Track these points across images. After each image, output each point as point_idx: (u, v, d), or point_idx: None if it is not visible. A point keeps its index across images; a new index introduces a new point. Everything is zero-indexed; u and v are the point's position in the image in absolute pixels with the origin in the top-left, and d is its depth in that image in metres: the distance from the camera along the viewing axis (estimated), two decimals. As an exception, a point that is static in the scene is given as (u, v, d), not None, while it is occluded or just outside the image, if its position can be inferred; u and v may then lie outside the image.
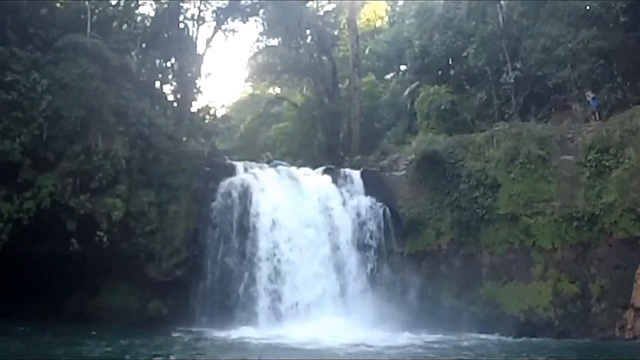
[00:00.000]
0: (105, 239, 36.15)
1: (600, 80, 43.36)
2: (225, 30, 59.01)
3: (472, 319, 36.43)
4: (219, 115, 55.55)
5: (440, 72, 55.11)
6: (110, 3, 46.80)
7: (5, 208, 34.84)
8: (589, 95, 41.29)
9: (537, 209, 36.19)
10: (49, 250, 35.90)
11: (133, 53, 47.80)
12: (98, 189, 36.70)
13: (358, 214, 40.21)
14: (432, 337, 33.05)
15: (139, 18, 50.72)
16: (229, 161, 43.61)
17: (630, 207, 33.18)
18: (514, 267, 36.72)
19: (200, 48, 54.74)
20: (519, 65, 46.86)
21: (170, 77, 53.27)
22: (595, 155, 35.42)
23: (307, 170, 43.86)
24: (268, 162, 40.03)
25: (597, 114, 40.46)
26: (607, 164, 34.95)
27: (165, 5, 51.74)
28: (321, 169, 43.56)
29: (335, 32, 70.18)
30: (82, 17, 40.67)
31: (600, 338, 32.67)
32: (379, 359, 26.24)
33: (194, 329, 35.13)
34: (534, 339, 32.88)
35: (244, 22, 60.33)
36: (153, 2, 52.13)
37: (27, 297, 36.18)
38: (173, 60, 53.15)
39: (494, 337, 34.31)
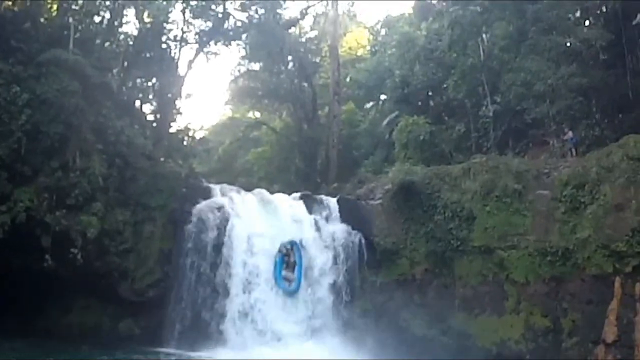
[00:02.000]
0: (79, 256, 36.03)
1: (578, 116, 43.73)
2: (208, 52, 59.07)
3: (444, 350, 36.41)
4: (197, 137, 55.70)
5: (419, 103, 55.52)
6: (94, 20, 46.89)
7: (-21, 221, 34.76)
8: (568, 133, 41.63)
9: (512, 242, 36.29)
10: (22, 265, 35.72)
11: (115, 71, 47.79)
12: (74, 206, 36.55)
13: (333, 241, 40.22)
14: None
15: (122, 37, 50.68)
16: (205, 184, 43.55)
17: (604, 244, 33.33)
18: (487, 299, 36.76)
19: (181, 69, 54.74)
20: (498, 99, 47.26)
21: (150, 96, 53.40)
22: (571, 191, 35.58)
23: (283, 196, 43.83)
24: None
25: (574, 150, 40.77)
26: (583, 200, 35.11)
27: (149, 25, 51.71)
28: (297, 194, 43.58)
29: (317, 59, 70.55)
30: (65, 33, 40.59)
31: (570, 371, 32.85)
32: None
33: (165, 350, 35.05)
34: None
35: (227, 46, 60.31)
36: (137, 22, 52.09)
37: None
38: (154, 80, 53.26)
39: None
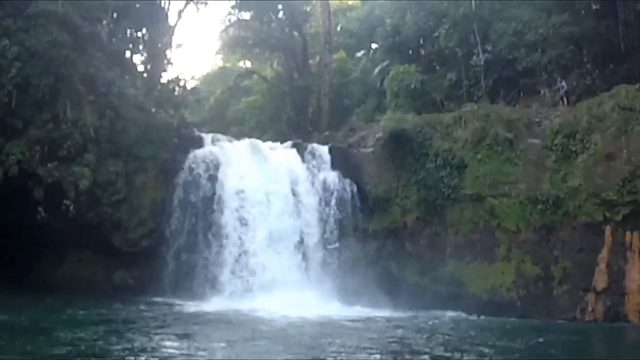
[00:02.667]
0: (72, 208, 36.17)
1: (570, 65, 43.61)
2: (197, 2, 58.79)
3: (436, 297, 36.70)
4: (188, 87, 55.51)
5: (411, 52, 55.29)
6: (82, -29, 46.53)
7: (-28, 175, 34.80)
8: (559, 83, 41.60)
9: (503, 190, 36.41)
10: (15, 218, 35.80)
11: (104, 22, 47.36)
12: (66, 158, 36.60)
13: (324, 189, 40.33)
14: (396, 314, 33.40)
15: (111, -14, 50.39)
16: (197, 133, 43.55)
17: (595, 192, 33.51)
18: (478, 247, 36.92)
19: (171, 19, 54.46)
20: (489, 48, 47.07)
21: (140, 47, 53.12)
22: (562, 140, 35.66)
23: (274, 144, 43.86)
24: None
25: (565, 99, 40.75)
26: (574, 148, 35.20)
27: (138, -25, 51.39)
28: (289, 143, 43.62)
29: (307, 8, 69.97)
30: (54, -16, 40.36)
31: (561, 319, 33.06)
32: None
33: (159, 299, 35.26)
34: (496, 319, 33.15)
35: (216, -6, 60.05)
36: (126, -29, 51.68)
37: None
38: (144, 30, 52.90)
39: (457, 315, 34.67)
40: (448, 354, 19.75)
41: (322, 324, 27.67)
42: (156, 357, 16.59)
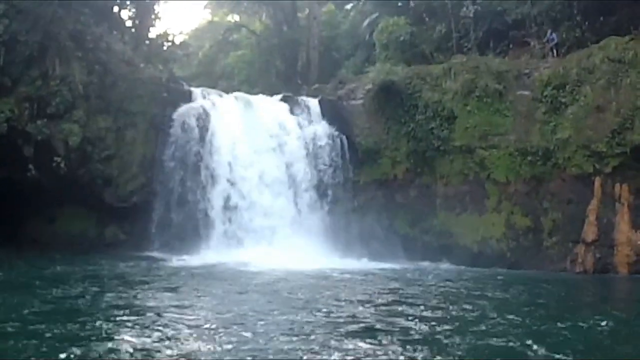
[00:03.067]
0: (62, 165, 36.12)
1: (560, 18, 43.42)
2: (185, -45, 58.43)
3: (426, 248, 37.05)
4: (177, 41, 55.09)
5: (400, 4, 54.94)
6: None
7: (-38, 133, 34.77)
8: (549, 35, 41.49)
9: (492, 142, 36.51)
10: (5, 176, 35.72)
11: (91, -23, 47.19)
12: (55, 115, 36.48)
13: (314, 142, 40.39)
14: (387, 265, 33.61)
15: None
16: (187, 87, 43.48)
17: (584, 144, 33.61)
18: (468, 198, 37.13)
19: (159, -27, 54.07)
20: (479, 0, 46.94)
21: (128, 2, 52.74)
22: (552, 92, 35.68)
23: (264, 97, 43.83)
24: None
25: (554, 51, 40.68)
26: (563, 100, 35.23)
27: None
28: (279, 96, 43.57)
29: (296, -40, 69.68)
30: (39, -61, 40.03)
31: (551, 271, 33.35)
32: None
33: (151, 254, 35.37)
34: (486, 270, 33.37)
35: (204, -53, 59.67)
36: None
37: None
38: (132, -15, 52.66)
39: (448, 267, 34.96)
40: (443, 305, 19.82)
41: (314, 277, 27.67)
42: (142, 312, 16.58)
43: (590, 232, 33.05)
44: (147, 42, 47.28)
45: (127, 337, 13.43)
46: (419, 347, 13.14)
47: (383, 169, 39.78)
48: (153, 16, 52.01)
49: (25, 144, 36.05)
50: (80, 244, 37.11)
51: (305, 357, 12.16)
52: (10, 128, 35.38)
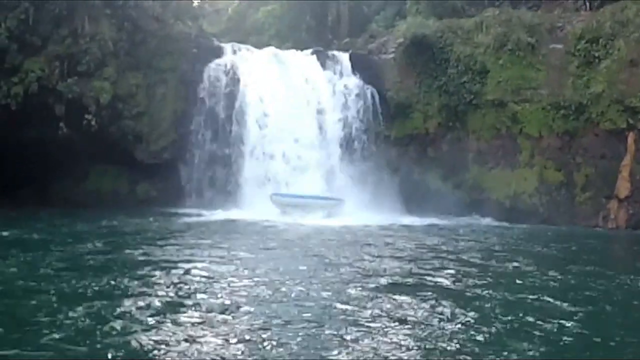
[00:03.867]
0: (93, 122, 36.19)
1: (593, -31, 42.95)
2: None
3: (458, 203, 36.87)
4: (206, -2, 55.06)
5: (431, -44, 54.47)
6: None
7: (-8, 94, 34.92)
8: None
9: (525, 96, 36.26)
10: (37, 135, 35.96)
11: None
12: (86, 73, 36.51)
13: (346, 95, 40.23)
14: (419, 220, 33.49)
15: None
16: (216, 43, 43.36)
17: (618, 99, 33.30)
18: (500, 153, 36.96)
19: None
20: (511, -50, 46.38)
21: (156, -42, 52.53)
22: (585, 45, 35.31)
23: (295, 52, 43.65)
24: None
25: (587, 4, 40.17)
26: (596, 54, 34.88)
27: None
28: (309, 50, 43.35)
29: None
30: None
31: (583, 226, 33.19)
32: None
33: (183, 210, 35.39)
34: (518, 225, 33.21)
35: None
36: None
37: (15, 184, 36.35)
38: (160, -60, 52.33)
39: (479, 221, 34.81)
40: (476, 260, 19.56)
41: (345, 232, 27.58)
42: (156, 267, 16.37)
43: (623, 187, 32.83)
44: (176, -2, 47.02)
45: (153, 293, 13.28)
46: (453, 302, 12.95)
47: (415, 123, 39.63)
48: (183, -28, 51.83)
49: (56, 103, 36.14)
50: (111, 201, 37.43)
51: (340, 317, 12.03)
52: (41, 87, 35.47)
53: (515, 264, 19.06)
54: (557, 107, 35.19)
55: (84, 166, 38.42)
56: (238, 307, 12.23)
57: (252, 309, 12.06)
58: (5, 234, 23.26)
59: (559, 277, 16.82)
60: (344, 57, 42.30)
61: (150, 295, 13.03)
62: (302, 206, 33.00)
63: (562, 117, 35.05)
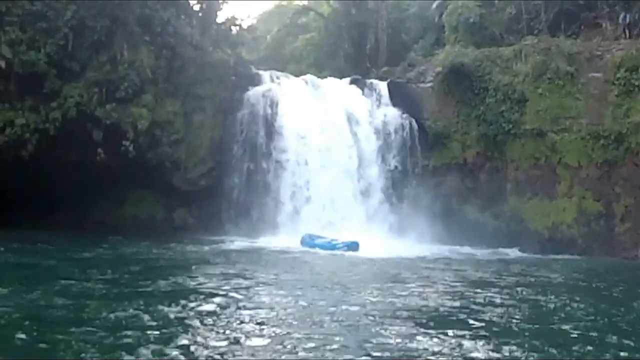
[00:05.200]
0: (131, 148, 36.37)
1: (632, -2, 42.65)
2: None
3: (496, 234, 36.63)
4: (245, 25, 54.98)
5: (469, -15, 54.36)
6: None
7: (31, 118, 35.42)
8: (621, 16, 40.62)
9: (564, 125, 35.96)
10: (75, 160, 36.30)
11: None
12: (124, 99, 36.81)
13: (384, 125, 40.14)
14: (458, 250, 33.28)
15: None
16: (255, 71, 43.46)
17: (658, 128, 33.00)
18: (539, 183, 36.59)
19: (225, -42, 53.83)
20: (549, -20, 46.16)
21: (194, -14, 52.78)
22: (624, 74, 35.01)
23: (333, 80, 43.67)
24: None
25: (627, 32, 39.88)
26: (636, 83, 34.57)
27: None
28: (348, 79, 43.41)
29: (364, -58, 69.11)
30: None
31: (622, 258, 32.72)
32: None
33: (219, 238, 35.36)
34: (556, 256, 32.84)
35: None
36: None
37: (53, 208, 36.57)
38: (197, -30, 52.61)
39: (518, 253, 34.45)
40: (526, 294, 19.11)
41: (384, 261, 27.38)
42: (195, 296, 16.12)
43: (663, 218, 32.38)
44: (214, 26, 47.14)
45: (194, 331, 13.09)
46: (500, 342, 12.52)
47: (453, 152, 39.42)
48: (220, 0, 51.97)
49: (95, 128, 36.40)
50: (148, 227, 37.46)
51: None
52: (80, 112, 35.84)
53: (566, 298, 18.42)
54: (597, 137, 34.85)
55: (122, 192, 38.65)
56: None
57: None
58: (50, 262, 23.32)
59: (619, 314, 16.23)
60: (382, 86, 42.27)
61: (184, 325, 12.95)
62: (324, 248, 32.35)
63: (602, 147, 34.68)
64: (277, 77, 42.68)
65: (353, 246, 31.24)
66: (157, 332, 12.18)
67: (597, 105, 35.53)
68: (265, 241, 33.89)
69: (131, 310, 14.02)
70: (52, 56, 35.69)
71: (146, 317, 13.50)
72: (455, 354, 11.53)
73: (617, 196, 34.24)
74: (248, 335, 12.29)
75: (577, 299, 18.39)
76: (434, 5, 55.95)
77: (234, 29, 49.10)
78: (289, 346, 11.58)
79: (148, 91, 37.66)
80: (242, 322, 13.48)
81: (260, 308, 15.13)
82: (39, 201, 35.97)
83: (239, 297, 16.35)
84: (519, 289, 20.09)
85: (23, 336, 11.69)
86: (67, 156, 36.14)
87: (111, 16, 36.83)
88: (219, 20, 47.73)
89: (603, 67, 36.25)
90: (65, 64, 36.15)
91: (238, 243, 33.10)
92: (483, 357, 11.42)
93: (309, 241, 32.89)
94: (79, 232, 33.96)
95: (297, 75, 44.37)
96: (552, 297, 18.58)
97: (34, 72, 35.36)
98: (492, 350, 11.80)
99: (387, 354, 11.42)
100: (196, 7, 46.18)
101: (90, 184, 36.49)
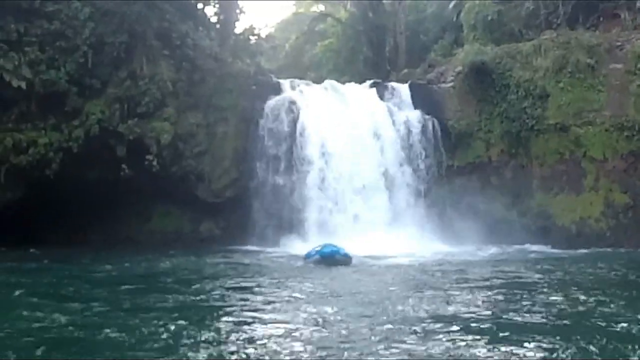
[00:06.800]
0: (155, 163, 36.51)
1: (651, -13, 42.41)
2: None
3: (524, 231, 36.40)
4: (263, 35, 55.05)
5: (485, -17, 54.21)
6: None
7: (54, 137, 35.69)
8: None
9: (587, 118, 35.75)
10: (99, 177, 36.57)
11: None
12: (146, 114, 37.06)
13: (406, 127, 40.06)
14: (486, 250, 33.17)
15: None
16: (275, 79, 43.49)
17: (682, 117, 32.77)
18: (565, 178, 36.41)
19: (241, -32, 53.98)
20: (567, -27, 45.96)
21: (212, -1, 52.90)
22: (646, 64, 34.86)
23: (353, 85, 43.67)
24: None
25: (646, 22, 39.68)
26: (658, 72, 34.42)
27: None
28: (368, 83, 43.38)
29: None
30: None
31: (652, 249, 32.51)
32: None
33: (247, 248, 35.45)
34: (586, 250, 32.63)
35: (286, -61, 59.46)
36: None
37: (81, 226, 36.81)
38: (214, -19, 52.70)
39: (547, 249, 34.25)
40: (558, 290, 18.77)
41: (411, 264, 27.18)
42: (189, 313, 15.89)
43: (691, 207, 32.13)
44: (233, 36, 47.26)
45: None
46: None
47: (477, 151, 39.33)
48: (238, 11, 52.04)
49: (118, 144, 36.64)
50: (175, 240, 37.67)
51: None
52: (102, 129, 36.10)
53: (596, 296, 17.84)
54: (620, 128, 34.65)
55: (148, 207, 38.92)
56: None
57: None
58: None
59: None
60: (403, 88, 42.21)
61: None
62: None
63: (626, 138, 34.48)
64: (298, 85, 42.70)
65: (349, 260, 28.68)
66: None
67: (620, 97, 35.30)
68: (292, 249, 33.64)
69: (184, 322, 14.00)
70: (72, 74, 36.01)
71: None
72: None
73: (644, 187, 34.06)
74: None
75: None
76: (451, 5, 55.82)
77: (253, 39, 49.18)
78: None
79: (169, 105, 37.85)
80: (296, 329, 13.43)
81: (290, 321, 14.87)
82: (67, 220, 36.22)
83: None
84: (554, 288, 19.62)
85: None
86: (92, 173, 36.44)
87: (129, 31, 37.13)
88: (237, 30, 47.85)
89: (623, 58, 36.02)
90: (86, 81, 36.50)
91: (266, 252, 33.10)
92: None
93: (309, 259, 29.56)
94: (107, 248, 34.03)
95: (317, 82, 44.37)
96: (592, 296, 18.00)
97: (54, 91, 35.69)
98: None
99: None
100: (214, 19, 46.36)
101: (117, 200, 36.76)
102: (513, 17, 48.00)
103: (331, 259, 27.87)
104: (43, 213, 35.45)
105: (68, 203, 35.24)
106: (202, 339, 12.61)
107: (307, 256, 29.06)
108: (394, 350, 11.69)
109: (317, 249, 28.91)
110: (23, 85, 34.83)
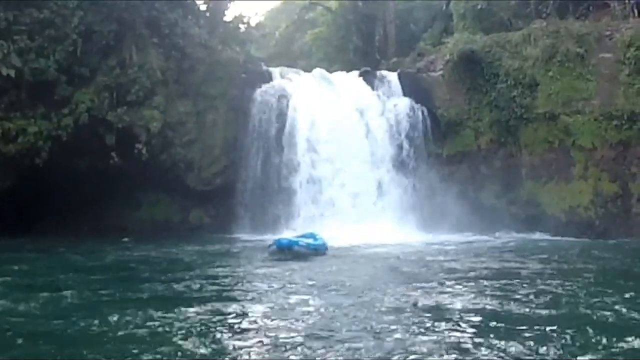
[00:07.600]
0: (144, 151, 36.46)
1: (640, -24, 42.44)
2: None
3: (513, 219, 36.55)
4: (253, 23, 54.91)
5: (475, -28, 54.20)
6: None
7: (43, 126, 35.53)
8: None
9: (576, 107, 35.75)
10: (88, 165, 36.52)
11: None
12: (135, 102, 36.95)
13: (396, 116, 40.08)
14: (476, 238, 33.27)
15: None
16: (265, 68, 43.51)
17: (671, 106, 32.81)
18: (554, 166, 36.48)
19: (230, -44, 53.76)
20: (557, -38, 45.95)
21: (200, -14, 52.72)
22: (635, 53, 34.74)
23: (343, 74, 43.69)
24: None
25: (636, 11, 39.64)
26: (647, 61, 34.45)
27: None
28: (357, 72, 43.38)
29: None
30: None
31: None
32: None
33: (236, 236, 35.50)
34: (574, 239, 32.67)
35: None
36: None
37: (71, 215, 36.76)
38: (203, -31, 52.56)
39: (536, 237, 34.33)
40: (551, 275, 18.83)
41: (402, 253, 26.94)
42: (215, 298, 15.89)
43: (681, 197, 32.19)
44: (222, 25, 47.08)
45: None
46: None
47: (466, 140, 39.37)
48: (227, -1, 51.96)
49: (107, 133, 36.57)
50: (165, 229, 37.74)
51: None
52: (91, 117, 36.01)
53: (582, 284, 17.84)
54: (610, 117, 34.62)
55: (138, 195, 38.88)
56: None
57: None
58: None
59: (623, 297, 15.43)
60: (393, 77, 42.27)
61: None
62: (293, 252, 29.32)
63: (615, 127, 34.44)
64: (287, 73, 42.75)
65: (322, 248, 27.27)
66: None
67: (609, 86, 35.31)
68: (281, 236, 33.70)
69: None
70: (62, 63, 35.82)
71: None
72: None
73: (632, 176, 34.06)
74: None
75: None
76: (441, -6, 55.87)
77: (242, 27, 48.99)
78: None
79: (159, 93, 37.75)
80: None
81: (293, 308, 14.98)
82: (57, 209, 36.15)
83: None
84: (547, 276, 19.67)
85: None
86: (81, 162, 36.39)
87: (119, 20, 36.98)
88: (227, 18, 47.66)
89: (613, 47, 35.99)
90: (75, 70, 36.37)
91: (256, 240, 33.03)
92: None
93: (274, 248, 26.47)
94: (97, 237, 33.98)
95: (307, 71, 44.34)
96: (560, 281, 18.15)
97: (44, 79, 35.48)
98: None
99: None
100: (203, 7, 46.21)
101: (106, 189, 36.70)
102: (502, 6, 47.98)
103: (289, 250, 25.46)
104: (33, 202, 35.43)
105: (58, 192, 35.19)
106: (174, 330, 12.58)
107: (269, 246, 26.22)
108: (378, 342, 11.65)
109: (280, 238, 27.21)
110: (12, 73, 34.65)
